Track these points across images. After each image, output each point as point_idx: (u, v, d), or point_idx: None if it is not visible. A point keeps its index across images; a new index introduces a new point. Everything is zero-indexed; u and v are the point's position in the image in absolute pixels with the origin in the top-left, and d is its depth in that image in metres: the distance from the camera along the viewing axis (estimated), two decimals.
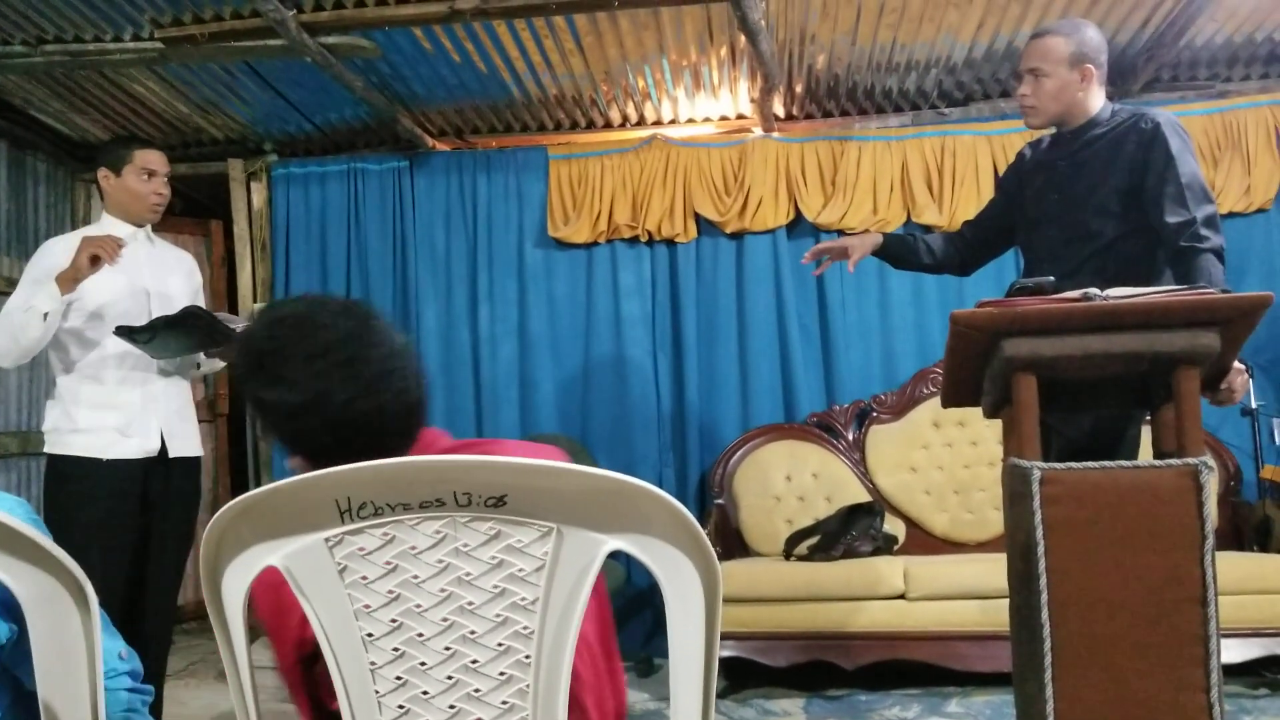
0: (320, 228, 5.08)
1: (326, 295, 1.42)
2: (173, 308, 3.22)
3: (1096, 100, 2.67)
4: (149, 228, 3.25)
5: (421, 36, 3.98)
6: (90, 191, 5.12)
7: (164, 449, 3.10)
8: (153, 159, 3.20)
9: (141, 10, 3.74)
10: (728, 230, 4.82)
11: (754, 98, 4.63)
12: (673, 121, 4.94)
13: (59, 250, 3.03)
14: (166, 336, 3.03)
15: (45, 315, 2.87)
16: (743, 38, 3.89)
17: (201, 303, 3.28)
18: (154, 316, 3.07)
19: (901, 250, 3.03)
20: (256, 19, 3.72)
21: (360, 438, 1.28)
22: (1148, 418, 2.37)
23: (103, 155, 3.22)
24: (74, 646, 1.12)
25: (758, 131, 4.84)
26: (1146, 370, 2.15)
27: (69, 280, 2.87)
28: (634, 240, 4.90)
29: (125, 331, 2.98)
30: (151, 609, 3.12)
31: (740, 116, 4.90)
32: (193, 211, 5.99)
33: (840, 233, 4.73)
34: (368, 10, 3.72)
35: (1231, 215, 4.41)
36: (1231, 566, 3.48)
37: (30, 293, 2.95)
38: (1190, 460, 2.02)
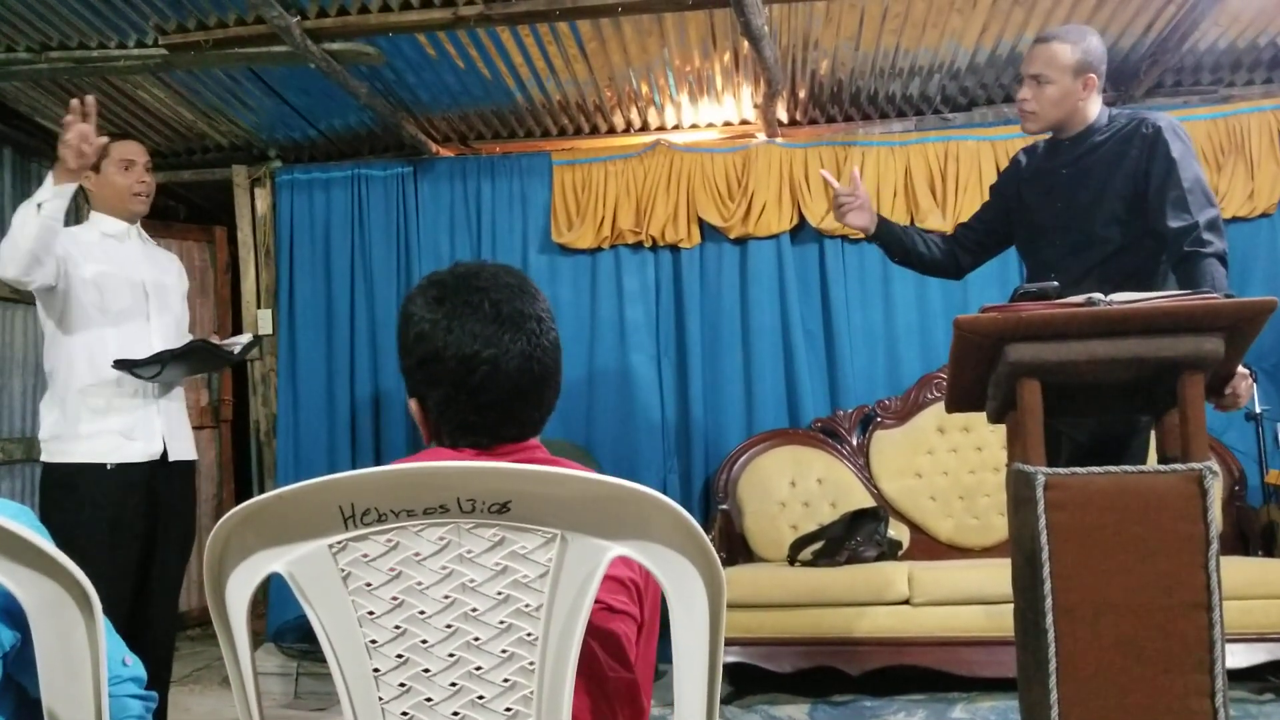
0: (325, 234, 5.09)
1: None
2: (169, 302, 3.23)
3: (1095, 108, 2.68)
4: (139, 225, 3.23)
5: (425, 43, 3.98)
6: None
7: (164, 452, 3.10)
8: (130, 149, 3.18)
9: (146, 17, 3.75)
10: (731, 236, 4.82)
11: (757, 103, 4.64)
12: (676, 127, 4.94)
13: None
14: (172, 368, 3.04)
15: (39, 206, 2.76)
16: (746, 43, 3.90)
17: (184, 304, 3.29)
18: (153, 322, 3.06)
19: (896, 233, 2.99)
20: (261, 25, 3.72)
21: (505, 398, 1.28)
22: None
23: None
24: (78, 653, 1.12)
25: (761, 137, 4.84)
26: (1151, 375, 2.15)
27: (64, 172, 2.78)
28: (638, 246, 4.90)
29: (126, 365, 2.95)
30: (155, 614, 3.12)
31: (744, 122, 4.90)
32: (197, 218, 6.01)
33: (844, 239, 4.74)
34: (371, 17, 3.73)
35: (1235, 220, 4.40)
36: (1236, 571, 3.48)
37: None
38: (1195, 465, 2.02)
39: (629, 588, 1.20)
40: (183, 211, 6.04)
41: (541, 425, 1.34)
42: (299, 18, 3.70)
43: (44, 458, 3.04)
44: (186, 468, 3.22)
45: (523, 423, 1.31)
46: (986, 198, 3.10)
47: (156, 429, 3.09)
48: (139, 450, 3.04)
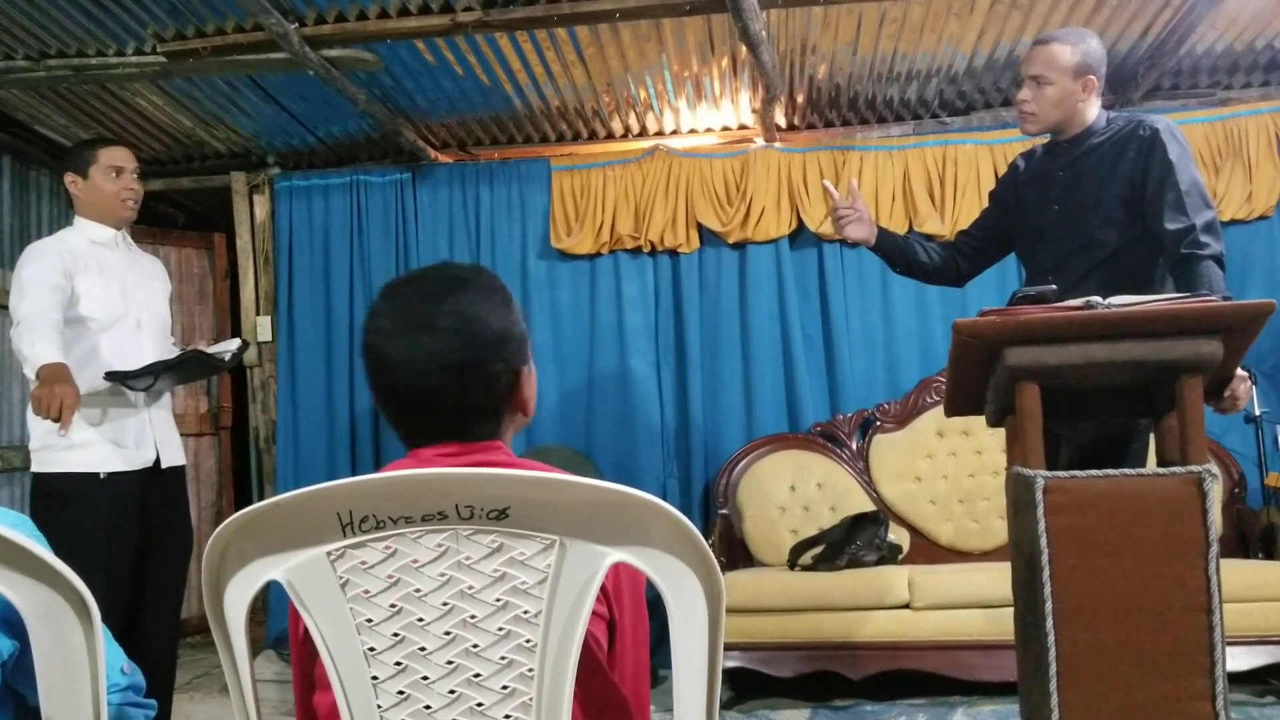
0: (323, 240, 5.09)
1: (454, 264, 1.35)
2: (156, 314, 3.21)
3: (1093, 110, 2.68)
4: (125, 232, 3.21)
5: (424, 49, 3.99)
6: None
7: (157, 460, 3.09)
8: (119, 155, 3.14)
9: (144, 24, 3.76)
10: (730, 240, 4.83)
11: (755, 108, 4.64)
12: (675, 132, 4.95)
13: (50, 251, 2.98)
14: (165, 378, 3.02)
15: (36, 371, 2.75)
16: (744, 48, 3.90)
17: (169, 309, 3.28)
18: (143, 329, 3.06)
19: (897, 244, 3.00)
20: (259, 32, 3.73)
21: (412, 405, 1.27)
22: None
23: (67, 160, 3.16)
24: (77, 662, 1.11)
25: (759, 142, 4.85)
26: (1149, 378, 2.15)
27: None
28: (637, 251, 4.90)
29: (119, 377, 2.93)
30: (155, 622, 3.10)
31: (742, 127, 4.91)
32: (196, 225, 6.01)
33: (842, 243, 4.73)
34: (370, 23, 3.74)
35: (1233, 223, 4.41)
36: (1236, 574, 3.48)
37: (46, 300, 2.86)
38: (1194, 468, 2.01)
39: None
40: (181, 219, 6.04)
41: (490, 423, 1.28)
42: (297, 25, 3.71)
43: (35, 468, 2.99)
44: (178, 473, 3.22)
45: (452, 422, 1.26)
46: (984, 202, 3.10)
47: (149, 437, 3.08)
48: (132, 459, 3.03)
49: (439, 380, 1.24)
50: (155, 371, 2.97)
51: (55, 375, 2.70)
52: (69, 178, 3.12)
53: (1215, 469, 2.03)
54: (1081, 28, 3.23)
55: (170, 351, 3.22)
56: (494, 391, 1.27)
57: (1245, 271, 4.43)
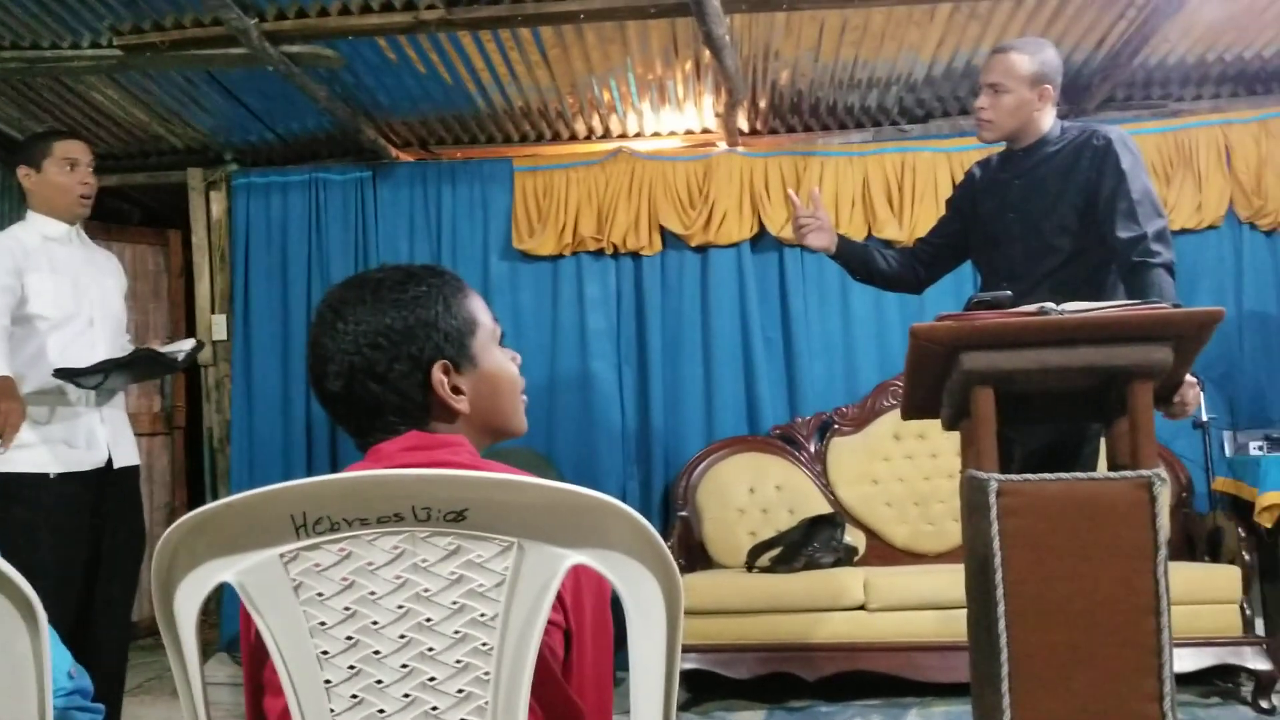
0: (281, 238, 5.04)
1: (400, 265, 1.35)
2: (110, 311, 3.15)
3: (1048, 119, 2.72)
4: (79, 227, 3.16)
5: (385, 46, 3.96)
6: None
7: (109, 460, 3.04)
8: (74, 149, 3.08)
9: (101, 17, 3.70)
10: (692, 243, 4.84)
11: (719, 112, 4.66)
12: (638, 135, 4.95)
13: (0, 249, 2.93)
14: (115, 376, 2.97)
15: None
16: (707, 52, 3.91)
17: (124, 305, 3.23)
18: (96, 327, 3.01)
19: (857, 252, 3.02)
20: (218, 27, 3.68)
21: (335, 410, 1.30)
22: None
23: (20, 152, 3.10)
24: (22, 665, 1.10)
25: (722, 146, 4.86)
26: (1101, 384, 2.18)
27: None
28: (599, 253, 4.90)
29: (68, 374, 2.88)
30: (104, 624, 3.05)
31: (705, 131, 4.92)
32: (151, 221, 5.93)
33: (803, 248, 4.74)
34: (331, 19, 3.70)
35: (1184, 232, 4.48)
36: (1184, 577, 3.54)
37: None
38: (1144, 472, 2.05)
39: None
40: (136, 215, 5.95)
41: (410, 422, 1.27)
42: (257, 20, 3.66)
43: None
44: (131, 473, 3.16)
45: (369, 422, 1.28)
46: (943, 209, 3.13)
47: (100, 437, 3.02)
48: (83, 459, 2.97)
49: (335, 384, 1.27)
50: (106, 369, 2.92)
51: (1, 391, 2.66)
52: (21, 170, 3.06)
53: (1164, 474, 2.07)
54: (1039, 38, 3.28)
55: (125, 349, 3.16)
56: (400, 391, 1.26)
57: (1195, 280, 4.51)
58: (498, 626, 1.02)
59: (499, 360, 1.36)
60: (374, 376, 1.25)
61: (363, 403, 1.26)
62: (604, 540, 1.02)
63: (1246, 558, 3.81)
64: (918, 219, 4.61)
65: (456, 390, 1.29)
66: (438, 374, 1.27)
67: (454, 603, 1.02)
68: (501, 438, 1.37)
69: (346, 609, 1.03)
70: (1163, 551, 2.02)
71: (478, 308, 1.35)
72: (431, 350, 1.27)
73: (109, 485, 3.05)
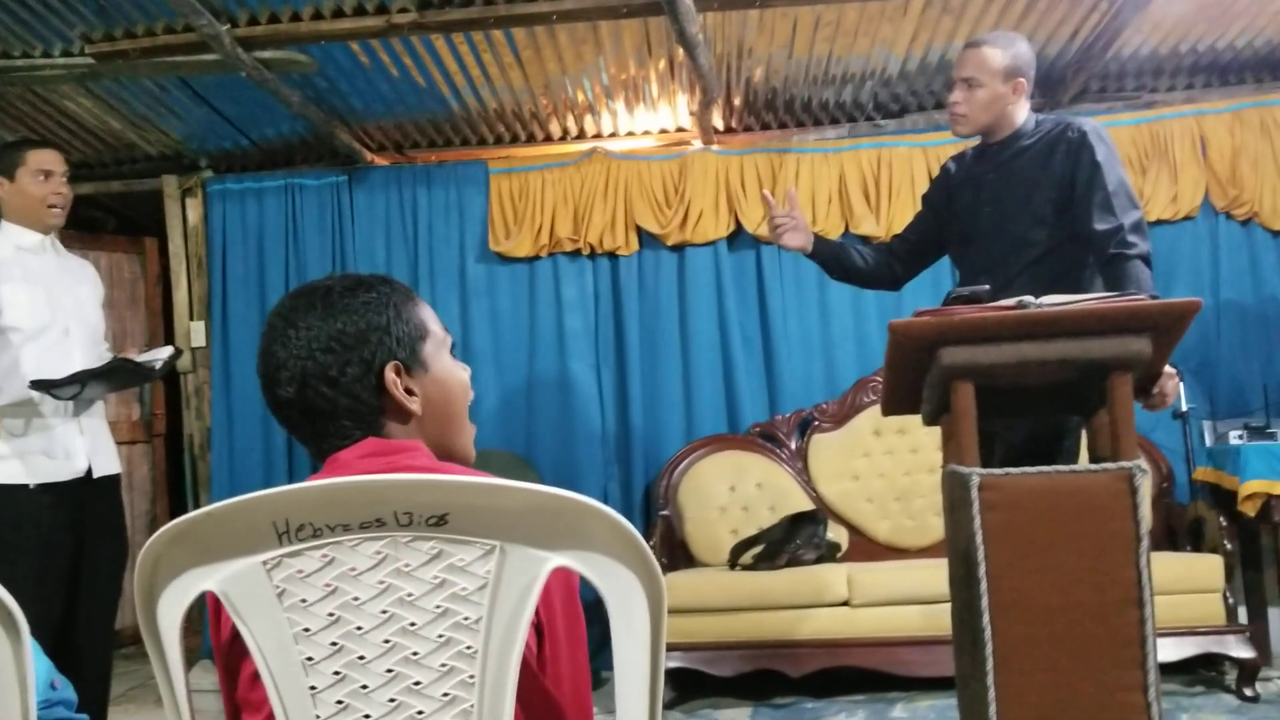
0: (258, 244, 5.01)
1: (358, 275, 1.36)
2: (85, 320, 3.13)
3: (1022, 113, 2.73)
4: (54, 236, 3.13)
5: (358, 51, 3.95)
6: None
7: (89, 469, 3.01)
8: (47, 159, 3.06)
9: (72, 25, 3.67)
10: (669, 243, 4.84)
11: (693, 110, 4.66)
12: (613, 135, 4.95)
13: None
14: (92, 387, 2.95)
15: None
16: (681, 51, 3.92)
17: (102, 314, 3.21)
18: (72, 336, 2.99)
19: (834, 251, 3.03)
20: (190, 34, 3.66)
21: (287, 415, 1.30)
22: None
23: None
24: (3, 676, 1.09)
25: (697, 144, 4.87)
26: (1080, 376, 2.20)
27: None
28: (576, 254, 4.90)
29: (44, 385, 2.86)
30: (87, 634, 3.03)
31: (680, 129, 4.92)
32: (126, 229, 5.89)
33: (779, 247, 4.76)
34: (303, 25, 3.69)
35: (1160, 223, 4.51)
36: (1166, 567, 3.55)
37: None
38: (1125, 464, 2.06)
39: None
40: (111, 223, 5.91)
41: (363, 428, 1.27)
42: (229, 26, 3.64)
43: None
44: (112, 482, 3.14)
45: (323, 427, 1.27)
46: (919, 203, 3.14)
47: (79, 446, 3.00)
48: (62, 469, 2.95)
49: (288, 390, 1.26)
50: (82, 380, 2.90)
51: None
52: None
53: (1145, 465, 2.08)
54: (1011, 32, 3.30)
55: (103, 358, 3.14)
56: (353, 394, 1.26)
57: (1171, 270, 4.54)
58: (481, 629, 1.02)
59: (450, 366, 1.36)
60: (327, 381, 1.26)
61: (316, 408, 1.26)
62: (585, 542, 1.02)
63: (1228, 546, 3.85)
64: (894, 214, 4.63)
65: (409, 392, 1.30)
66: (390, 374, 1.28)
67: (437, 606, 1.02)
68: (449, 459, 1.35)
69: (330, 615, 1.03)
70: (1145, 542, 2.03)
71: (427, 316, 1.36)
72: (384, 354, 1.28)
73: (90, 495, 3.03)
